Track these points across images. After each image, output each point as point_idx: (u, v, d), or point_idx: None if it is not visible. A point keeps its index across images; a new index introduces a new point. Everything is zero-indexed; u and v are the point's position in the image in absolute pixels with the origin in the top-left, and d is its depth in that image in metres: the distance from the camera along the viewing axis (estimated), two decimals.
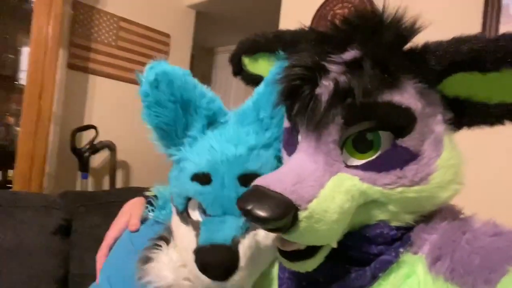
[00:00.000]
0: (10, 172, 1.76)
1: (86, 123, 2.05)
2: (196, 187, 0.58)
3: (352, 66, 0.45)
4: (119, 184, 2.20)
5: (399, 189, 0.45)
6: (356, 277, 0.48)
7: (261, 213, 0.41)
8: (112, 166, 2.08)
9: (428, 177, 0.46)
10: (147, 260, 0.63)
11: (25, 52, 1.69)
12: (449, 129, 0.49)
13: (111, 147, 2.06)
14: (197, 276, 0.55)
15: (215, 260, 0.53)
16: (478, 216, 0.49)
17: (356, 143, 0.47)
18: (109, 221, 0.77)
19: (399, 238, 0.49)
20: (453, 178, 0.48)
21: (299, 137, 0.52)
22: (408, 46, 0.47)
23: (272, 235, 0.56)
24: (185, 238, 0.59)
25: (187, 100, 0.61)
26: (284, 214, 0.41)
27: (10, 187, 1.70)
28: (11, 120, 1.83)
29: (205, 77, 4.20)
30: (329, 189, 0.44)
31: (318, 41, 0.50)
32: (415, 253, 0.47)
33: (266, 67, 0.66)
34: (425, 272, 0.45)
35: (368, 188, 0.46)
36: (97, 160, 2.12)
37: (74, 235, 1.01)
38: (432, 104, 0.47)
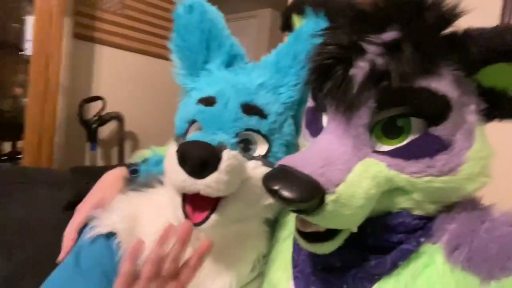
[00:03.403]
0: (19, 143, 1.76)
1: (93, 94, 2.03)
2: (199, 108, 0.60)
3: (390, 48, 0.43)
4: (127, 155, 2.20)
5: (427, 178, 0.45)
6: (376, 264, 0.48)
7: (288, 194, 0.41)
8: (120, 137, 2.08)
9: (458, 168, 0.45)
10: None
11: (30, 21, 1.64)
12: (481, 120, 0.48)
13: (119, 118, 2.05)
14: (174, 171, 0.54)
15: (196, 150, 0.52)
16: (498, 206, 0.49)
17: (386, 129, 0.46)
18: None
19: (421, 227, 0.48)
20: (482, 170, 0.47)
21: (323, 118, 0.52)
22: (448, 31, 0.45)
23: (261, 170, 0.57)
24: (172, 151, 0.57)
25: (214, 35, 0.65)
26: (311, 196, 0.41)
27: (19, 158, 1.71)
28: (18, 91, 1.81)
29: None
30: (356, 174, 0.44)
31: (356, 19, 0.48)
32: (434, 243, 0.47)
33: None
34: (443, 261, 0.45)
35: (394, 175, 0.45)
36: (105, 131, 2.12)
37: None
38: (468, 93, 0.46)
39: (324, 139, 0.48)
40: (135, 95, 2.21)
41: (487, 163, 0.47)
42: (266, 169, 0.55)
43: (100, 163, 2.09)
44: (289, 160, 0.45)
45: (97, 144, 1.99)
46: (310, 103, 0.57)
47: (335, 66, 0.46)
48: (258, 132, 0.60)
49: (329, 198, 0.42)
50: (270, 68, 0.66)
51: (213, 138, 0.55)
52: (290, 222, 0.64)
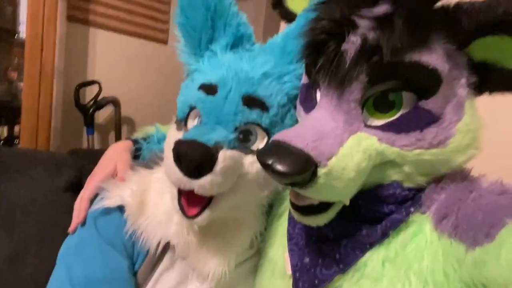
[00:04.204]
0: (16, 128, 1.77)
1: (89, 78, 2.02)
2: (200, 95, 0.59)
3: (382, 22, 0.43)
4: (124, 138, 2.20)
5: (417, 151, 0.46)
6: (367, 234, 0.50)
7: (281, 167, 0.42)
8: (117, 122, 2.08)
9: (447, 140, 0.46)
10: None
11: (24, 4, 1.63)
12: (471, 93, 0.48)
13: (115, 103, 2.04)
14: (170, 167, 0.54)
15: (192, 151, 0.52)
16: (487, 177, 0.50)
17: (377, 103, 0.47)
18: None
19: (411, 198, 0.50)
20: (471, 142, 0.48)
21: (318, 94, 0.52)
22: (439, 3, 0.45)
23: (258, 165, 0.56)
24: (172, 138, 0.57)
25: (219, 13, 0.62)
26: (304, 169, 0.42)
27: (16, 143, 1.71)
28: (14, 75, 1.81)
29: None
30: (348, 147, 0.45)
31: None
32: (424, 212, 0.49)
33: (303, 6, 0.66)
34: (431, 230, 0.47)
35: (386, 148, 0.46)
36: (102, 115, 2.12)
37: None
38: (458, 66, 0.46)
39: (316, 114, 0.49)
40: (131, 79, 2.20)
41: (476, 135, 0.48)
42: None
43: (97, 148, 2.09)
44: (282, 135, 0.45)
45: (94, 129, 1.99)
46: (304, 79, 0.57)
47: (327, 41, 0.46)
48: (258, 125, 0.59)
49: (321, 171, 0.43)
50: (276, 52, 0.63)
51: (210, 137, 0.54)
52: (285, 199, 0.66)
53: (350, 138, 0.45)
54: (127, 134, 2.24)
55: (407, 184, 0.49)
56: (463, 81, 0.47)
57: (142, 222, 0.62)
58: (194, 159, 0.52)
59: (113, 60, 2.13)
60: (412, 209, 0.49)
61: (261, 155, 0.45)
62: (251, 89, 0.58)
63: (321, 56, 0.47)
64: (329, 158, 0.43)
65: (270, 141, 0.47)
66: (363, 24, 0.45)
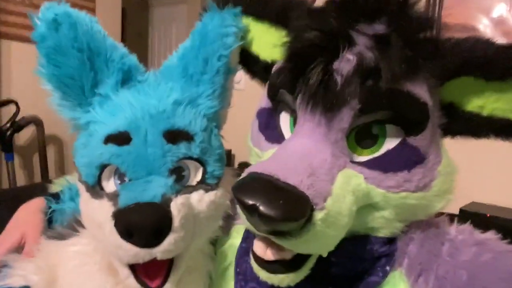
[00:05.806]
0: None
1: (4, 97, 1.82)
2: (111, 149, 0.49)
3: (381, 42, 0.38)
4: (51, 160, 2.01)
5: (403, 194, 0.41)
6: None
7: (271, 211, 0.33)
8: (41, 142, 1.89)
9: (431, 183, 0.42)
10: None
11: None
12: (441, 135, 0.45)
13: (37, 122, 1.86)
14: (119, 247, 0.45)
15: (143, 219, 0.44)
16: (448, 219, 0.48)
17: (359, 136, 0.41)
18: None
19: (386, 254, 0.45)
20: (449, 187, 0.44)
21: (282, 119, 0.47)
22: (427, 34, 0.41)
23: (206, 199, 0.50)
24: (98, 213, 0.49)
25: (95, 50, 0.52)
26: (301, 214, 0.34)
27: None
28: None
29: (141, 34, 3.89)
30: (339, 187, 0.38)
31: (343, 4, 0.41)
32: (396, 268, 0.44)
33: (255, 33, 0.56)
34: None
35: (372, 189, 0.40)
36: (23, 137, 1.91)
37: None
38: (436, 104, 0.43)
39: (298, 143, 0.40)
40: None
41: (453, 179, 0.45)
42: (210, 195, 0.51)
43: (19, 173, 1.89)
44: (264, 167, 0.36)
45: (14, 153, 1.79)
46: (265, 103, 0.49)
47: (316, 57, 0.39)
48: (189, 158, 0.51)
49: (318, 215, 0.35)
50: (177, 77, 0.56)
51: (154, 192, 0.46)
52: (228, 252, 0.58)
53: (339, 174, 0.38)
54: (54, 156, 2.05)
55: (383, 233, 0.44)
56: (437, 120, 0.44)
57: None
58: (149, 225, 0.43)
59: (31, 75, 1.93)
60: (388, 268, 0.44)
61: (241, 193, 0.35)
62: (169, 123, 0.51)
63: (306, 73, 0.39)
64: (325, 199, 0.35)
65: (247, 174, 0.37)
66: (362, 41, 0.39)
